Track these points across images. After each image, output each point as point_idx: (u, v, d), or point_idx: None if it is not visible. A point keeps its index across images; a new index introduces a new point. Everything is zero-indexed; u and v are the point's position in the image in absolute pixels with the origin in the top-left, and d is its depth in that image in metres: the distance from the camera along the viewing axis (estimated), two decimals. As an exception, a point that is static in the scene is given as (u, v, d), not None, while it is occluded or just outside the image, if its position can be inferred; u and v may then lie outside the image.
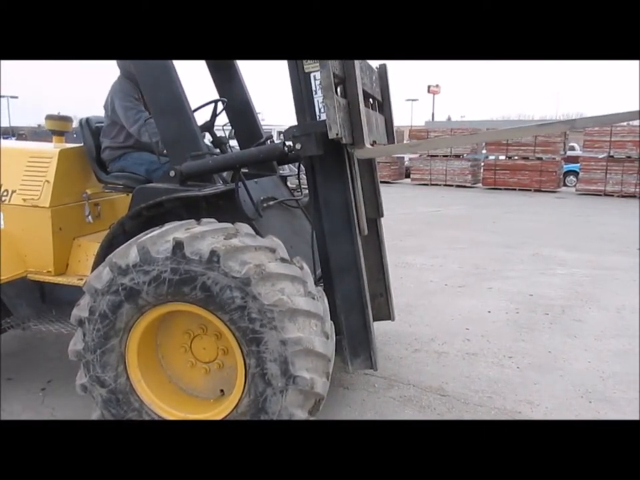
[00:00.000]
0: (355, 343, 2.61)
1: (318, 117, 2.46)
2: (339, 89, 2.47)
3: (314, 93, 2.43)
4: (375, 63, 3.29)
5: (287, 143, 2.56)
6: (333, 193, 2.57)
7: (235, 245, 2.16)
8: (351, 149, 2.52)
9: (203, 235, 2.19)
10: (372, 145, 2.71)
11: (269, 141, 3.28)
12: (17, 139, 18.85)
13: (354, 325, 2.62)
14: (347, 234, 2.59)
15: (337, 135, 2.30)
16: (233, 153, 2.99)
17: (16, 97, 37.49)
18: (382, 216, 3.40)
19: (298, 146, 2.43)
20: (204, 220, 2.38)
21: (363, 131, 2.49)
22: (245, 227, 2.38)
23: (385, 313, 3.51)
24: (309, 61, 2.39)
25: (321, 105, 2.43)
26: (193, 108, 2.84)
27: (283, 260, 2.27)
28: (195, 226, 2.30)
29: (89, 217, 3.17)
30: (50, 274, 3.09)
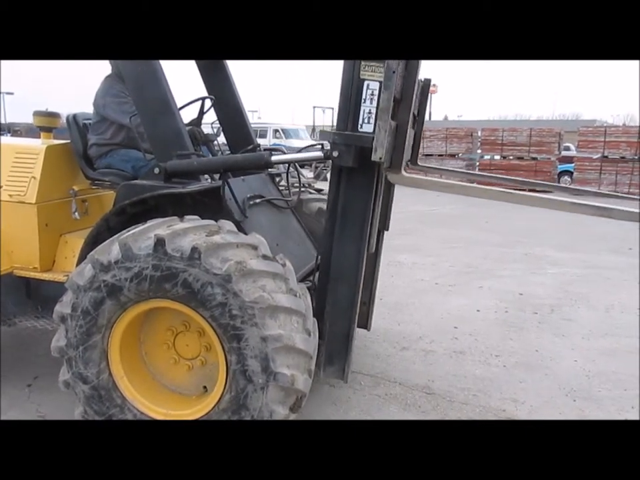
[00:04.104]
0: (332, 350, 2.59)
1: (359, 126, 2.37)
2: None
3: (362, 101, 2.34)
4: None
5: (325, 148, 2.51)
6: (353, 205, 2.50)
7: (216, 242, 2.16)
8: (385, 171, 2.47)
9: (185, 232, 2.20)
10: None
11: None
12: (12, 136, 18.75)
13: (337, 333, 2.60)
14: (356, 247, 2.53)
15: (380, 158, 2.26)
16: (219, 157, 3.00)
17: (12, 93, 37.31)
18: (387, 229, 3.40)
19: (335, 153, 2.37)
20: (187, 217, 2.38)
21: (403, 157, 2.45)
22: (227, 224, 2.38)
23: (363, 322, 3.51)
24: (365, 67, 2.30)
25: (366, 115, 2.35)
26: (180, 106, 2.84)
27: (265, 257, 2.27)
28: (177, 223, 2.30)
29: (76, 213, 3.16)
30: (36, 270, 3.09)
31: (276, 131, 22.44)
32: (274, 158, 2.62)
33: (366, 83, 2.32)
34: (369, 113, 2.33)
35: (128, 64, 2.71)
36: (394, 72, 2.22)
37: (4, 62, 3.44)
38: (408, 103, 2.46)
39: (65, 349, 2.35)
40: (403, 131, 2.45)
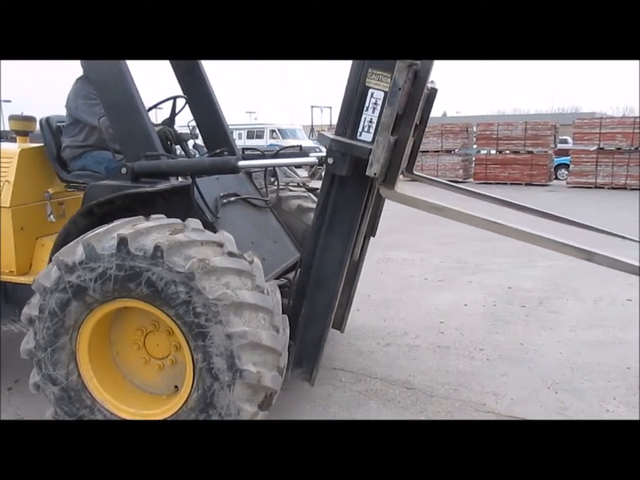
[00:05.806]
0: (302, 353, 2.58)
1: (358, 134, 2.32)
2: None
3: (365, 109, 2.29)
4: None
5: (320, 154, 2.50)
6: (342, 213, 2.46)
7: (179, 240, 2.15)
8: (379, 185, 2.43)
9: (148, 231, 2.19)
10: None
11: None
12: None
13: (309, 336, 2.58)
14: (340, 254, 2.51)
15: (375, 174, 2.23)
16: (186, 160, 2.99)
17: (9, 101, 37.26)
18: (374, 236, 3.39)
19: (330, 160, 2.33)
20: (153, 216, 2.37)
21: (397, 174, 2.40)
22: (193, 222, 2.37)
23: (337, 323, 3.50)
24: (372, 74, 2.24)
25: (366, 124, 2.30)
26: (150, 106, 2.84)
27: (230, 254, 2.26)
28: (141, 222, 2.29)
29: (51, 216, 3.16)
30: (12, 274, 3.08)
31: (273, 131, 22.52)
32: (241, 163, 2.59)
33: (370, 91, 2.26)
34: (370, 122, 2.28)
35: (94, 64, 2.71)
36: (400, 89, 2.16)
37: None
38: (411, 118, 2.40)
39: (33, 351, 2.35)
40: (401, 146, 2.38)
